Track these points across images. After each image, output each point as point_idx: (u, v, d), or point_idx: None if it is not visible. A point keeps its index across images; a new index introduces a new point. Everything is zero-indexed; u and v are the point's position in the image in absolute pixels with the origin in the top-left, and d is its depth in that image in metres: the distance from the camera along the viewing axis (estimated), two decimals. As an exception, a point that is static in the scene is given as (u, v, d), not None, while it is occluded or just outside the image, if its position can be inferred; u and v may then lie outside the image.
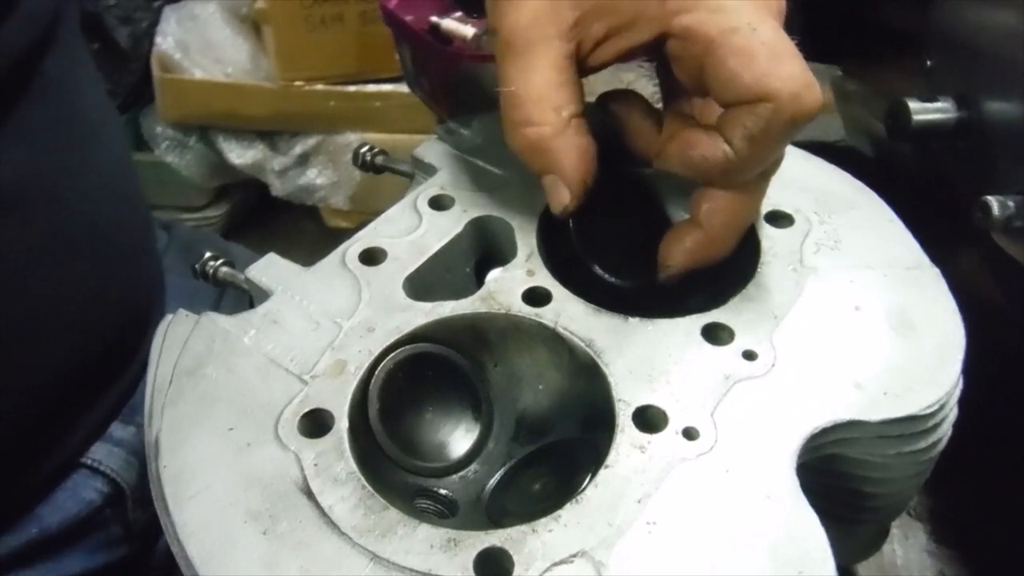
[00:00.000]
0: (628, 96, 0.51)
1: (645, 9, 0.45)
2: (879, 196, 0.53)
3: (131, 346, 0.65)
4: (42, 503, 0.60)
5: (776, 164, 0.46)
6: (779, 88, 0.41)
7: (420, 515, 0.39)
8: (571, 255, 0.51)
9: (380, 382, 0.44)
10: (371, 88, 2.02)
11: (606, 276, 0.50)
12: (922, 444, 0.42)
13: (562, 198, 0.47)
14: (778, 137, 0.42)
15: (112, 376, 0.64)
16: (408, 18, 1.50)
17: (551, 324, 0.45)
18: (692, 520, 0.37)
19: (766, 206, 0.51)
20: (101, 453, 0.63)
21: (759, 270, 0.48)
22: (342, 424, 0.41)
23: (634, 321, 0.45)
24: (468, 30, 1.51)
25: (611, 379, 0.42)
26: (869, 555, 0.55)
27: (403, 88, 1.80)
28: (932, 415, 0.42)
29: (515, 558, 0.35)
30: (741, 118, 0.42)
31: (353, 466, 0.39)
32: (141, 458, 0.64)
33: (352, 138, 2.05)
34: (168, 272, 0.74)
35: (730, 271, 0.49)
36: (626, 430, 0.40)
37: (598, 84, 0.85)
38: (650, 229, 0.50)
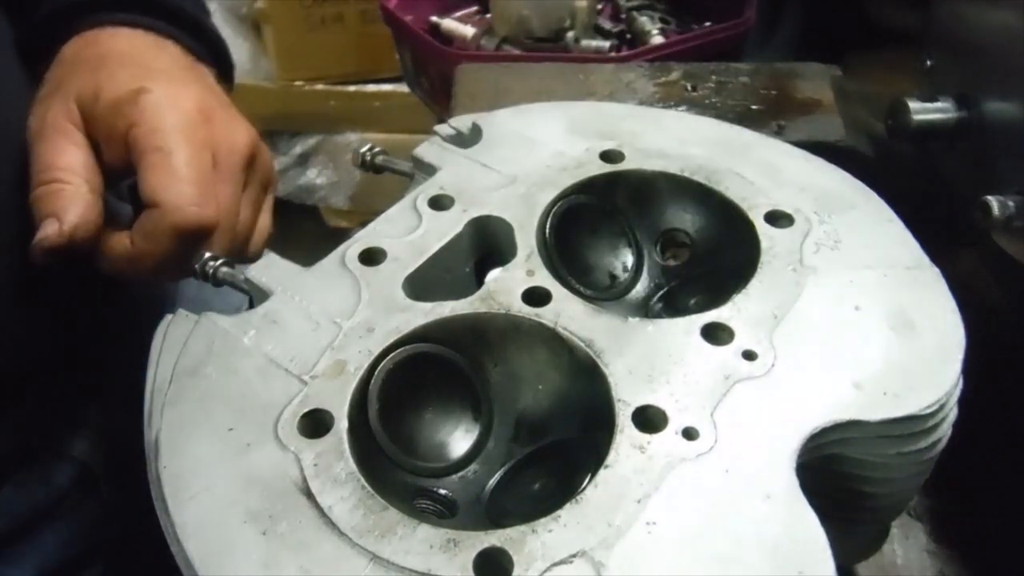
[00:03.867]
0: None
1: (117, 125, 0.56)
2: (879, 196, 0.53)
3: (95, 330, 0.65)
4: (9, 490, 0.60)
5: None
6: (166, 199, 0.53)
7: (420, 515, 0.39)
8: (572, 255, 0.51)
9: (380, 382, 0.44)
10: (371, 88, 2.02)
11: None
12: (922, 444, 0.42)
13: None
14: (163, 237, 0.54)
15: (75, 360, 0.64)
16: (408, 18, 1.50)
17: (551, 324, 0.45)
18: (692, 520, 0.37)
19: (766, 206, 0.51)
20: (71, 438, 0.63)
21: (759, 270, 0.48)
22: (342, 424, 0.41)
23: (634, 321, 0.45)
24: (468, 30, 1.51)
25: (611, 379, 0.42)
26: (869, 555, 0.55)
27: (403, 88, 1.81)
28: (932, 415, 0.42)
29: (515, 558, 0.35)
30: (141, 218, 0.54)
31: (353, 466, 0.39)
32: (110, 439, 0.64)
33: (352, 138, 2.05)
34: None
35: (730, 271, 0.49)
36: (626, 430, 0.40)
37: (599, 83, 0.85)
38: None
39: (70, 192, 0.54)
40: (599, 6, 1.52)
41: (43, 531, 0.62)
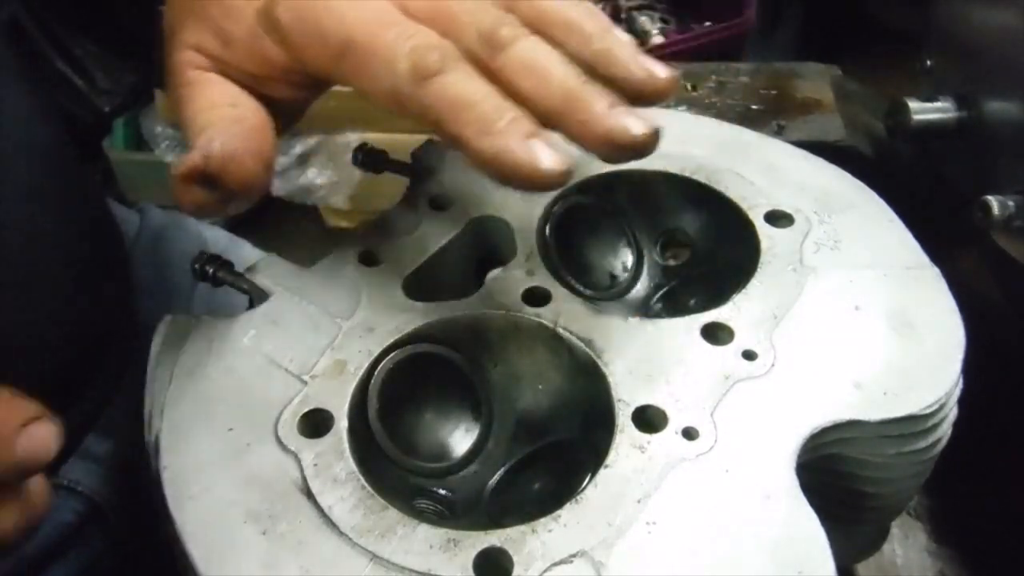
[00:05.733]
0: None
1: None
2: (879, 196, 0.53)
3: (98, 357, 0.64)
4: None
5: None
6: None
7: (420, 515, 0.39)
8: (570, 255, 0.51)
9: (380, 382, 0.44)
10: (371, 88, 2.01)
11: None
12: (922, 444, 0.42)
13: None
14: None
15: (78, 390, 0.62)
16: (408, 18, 1.50)
17: (551, 324, 0.45)
18: (692, 520, 0.37)
19: (766, 206, 0.51)
20: (79, 472, 0.62)
21: (759, 270, 0.48)
22: (341, 424, 0.41)
23: (634, 321, 0.45)
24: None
25: (611, 379, 0.42)
26: (869, 555, 0.55)
27: (403, 88, 1.80)
28: (932, 415, 0.42)
29: (515, 558, 0.35)
30: None
31: (353, 466, 0.39)
32: (121, 472, 0.63)
33: (352, 138, 2.05)
34: (140, 265, 0.73)
35: (730, 270, 0.49)
36: (626, 430, 0.40)
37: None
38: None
39: (211, 116, 0.44)
40: (599, 6, 1.52)
41: (51, 569, 0.61)
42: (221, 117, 0.44)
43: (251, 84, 0.46)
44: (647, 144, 0.38)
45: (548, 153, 0.37)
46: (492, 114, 0.37)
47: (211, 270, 0.50)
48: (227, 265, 0.51)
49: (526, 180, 0.37)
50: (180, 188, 0.42)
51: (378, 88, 0.40)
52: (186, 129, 0.45)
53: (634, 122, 0.38)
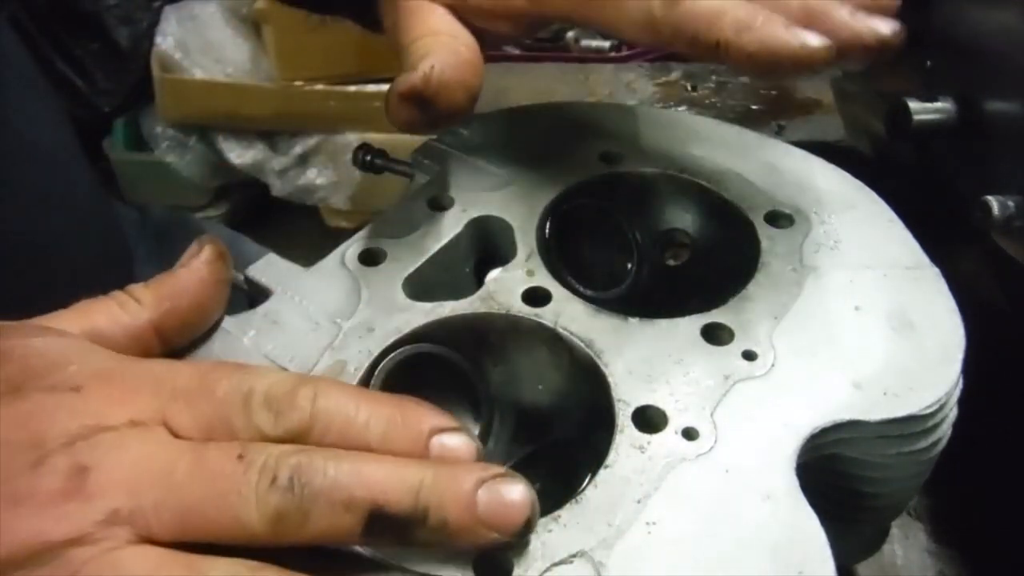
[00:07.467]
0: None
1: None
2: (879, 196, 0.53)
3: None
4: None
5: None
6: None
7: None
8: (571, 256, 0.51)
9: (380, 382, 0.44)
10: (371, 88, 2.02)
11: (582, 289, 0.50)
12: (922, 444, 0.42)
13: None
14: None
15: None
16: (408, 18, 1.49)
17: (551, 324, 0.45)
18: (692, 520, 0.37)
19: (766, 206, 0.51)
20: None
21: (759, 270, 0.48)
22: (342, 424, 0.41)
23: (634, 321, 0.45)
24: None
25: (611, 379, 0.42)
26: (869, 555, 0.55)
27: (403, 88, 1.80)
28: (932, 415, 0.42)
29: (514, 558, 0.35)
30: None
31: (353, 466, 0.39)
32: None
33: (352, 138, 2.05)
34: (143, 263, 0.72)
35: (730, 271, 0.49)
36: (626, 430, 0.40)
37: (598, 84, 0.85)
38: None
39: (431, 43, 0.46)
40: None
41: None
42: (441, 45, 0.46)
43: (468, 17, 0.49)
44: (894, 43, 0.42)
45: (811, 33, 0.40)
46: (747, 16, 0.40)
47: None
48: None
49: (795, 61, 0.40)
50: (396, 105, 0.44)
51: (627, 20, 0.44)
52: (404, 52, 0.47)
53: (879, 23, 0.42)
